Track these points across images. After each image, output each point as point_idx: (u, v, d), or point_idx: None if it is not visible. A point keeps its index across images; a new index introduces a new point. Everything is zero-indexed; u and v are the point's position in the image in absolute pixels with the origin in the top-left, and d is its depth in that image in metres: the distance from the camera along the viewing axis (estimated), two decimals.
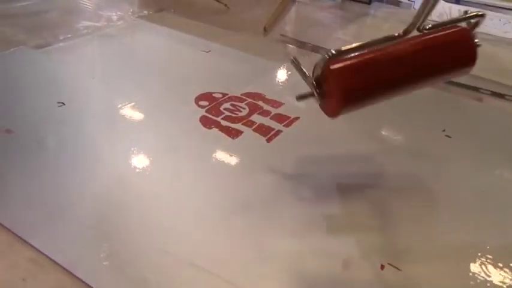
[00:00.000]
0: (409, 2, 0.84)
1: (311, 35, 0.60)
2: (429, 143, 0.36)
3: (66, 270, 0.21)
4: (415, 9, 0.82)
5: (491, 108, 0.44)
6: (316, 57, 0.56)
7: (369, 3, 0.81)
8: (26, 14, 0.54)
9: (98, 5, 0.62)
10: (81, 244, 0.23)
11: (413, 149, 0.35)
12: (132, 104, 0.37)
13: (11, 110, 0.34)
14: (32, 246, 0.22)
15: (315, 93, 0.25)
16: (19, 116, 0.33)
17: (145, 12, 0.61)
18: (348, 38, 0.62)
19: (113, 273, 0.21)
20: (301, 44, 0.57)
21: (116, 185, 0.27)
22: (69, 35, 0.49)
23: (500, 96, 0.47)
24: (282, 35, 0.59)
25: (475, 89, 0.48)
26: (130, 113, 0.35)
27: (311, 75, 0.27)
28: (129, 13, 0.60)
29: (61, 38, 0.48)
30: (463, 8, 0.85)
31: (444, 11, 0.82)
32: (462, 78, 0.48)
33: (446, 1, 0.89)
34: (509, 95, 0.47)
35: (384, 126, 0.38)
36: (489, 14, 0.86)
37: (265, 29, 0.60)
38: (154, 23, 0.57)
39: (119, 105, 0.36)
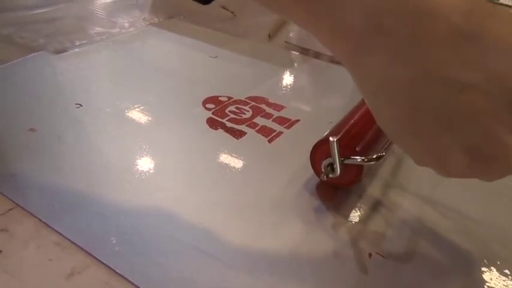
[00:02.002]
0: None
1: (314, 42, 0.63)
2: None
3: (87, 251, 0.24)
4: None
5: None
6: (318, 63, 0.58)
7: None
8: (44, 20, 0.57)
9: (111, 12, 0.65)
10: (99, 229, 0.26)
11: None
12: (144, 105, 0.39)
13: (34, 111, 0.36)
14: (56, 231, 0.25)
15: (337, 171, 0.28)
16: (41, 116, 0.36)
17: (156, 19, 0.64)
18: None
19: (126, 255, 0.24)
20: (304, 51, 0.59)
21: (128, 179, 0.30)
22: (84, 41, 0.52)
23: None
24: (286, 41, 0.61)
25: None
26: (142, 114, 0.38)
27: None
28: (141, 20, 0.63)
29: (77, 43, 0.51)
30: None
31: None
32: None
33: None
34: None
35: None
36: None
37: (269, 36, 0.63)
38: (164, 29, 0.60)
39: (132, 107, 0.39)
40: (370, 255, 0.26)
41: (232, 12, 0.69)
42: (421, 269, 0.25)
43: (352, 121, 0.32)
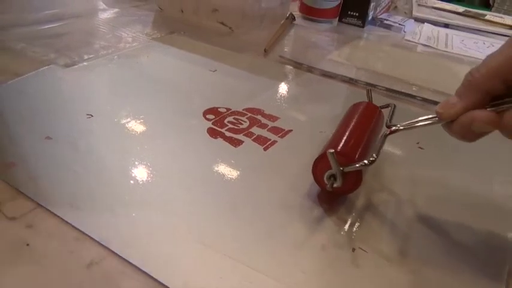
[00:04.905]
0: (399, 26, 0.91)
1: (307, 57, 0.66)
2: (404, 153, 0.42)
3: (103, 245, 0.27)
4: (405, 32, 0.88)
5: None
6: (311, 77, 0.62)
7: (363, 26, 0.87)
8: (54, 35, 0.61)
9: (115, 27, 0.68)
10: (112, 225, 0.29)
11: (392, 157, 0.41)
12: (148, 116, 0.43)
13: (49, 121, 0.40)
14: (75, 227, 0.28)
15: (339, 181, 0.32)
16: (56, 125, 0.39)
17: (158, 34, 0.68)
18: (341, 59, 0.68)
19: (138, 247, 0.27)
20: (297, 65, 0.63)
21: (136, 182, 0.33)
22: (91, 55, 0.56)
23: None
24: (280, 56, 0.65)
25: None
26: (146, 124, 0.41)
27: None
28: (143, 35, 0.67)
29: (85, 57, 0.55)
30: (450, 32, 0.92)
31: (432, 35, 0.89)
32: (440, 97, 0.54)
33: (435, 25, 0.96)
34: None
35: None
36: (474, 37, 0.93)
37: (265, 51, 0.67)
38: (166, 44, 0.63)
39: (137, 117, 0.42)
40: (353, 249, 0.29)
41: (230, 28, 0.73)
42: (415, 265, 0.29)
43: (346, 131, 0.35)
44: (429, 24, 0.95)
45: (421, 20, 0.98)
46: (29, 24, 0.63)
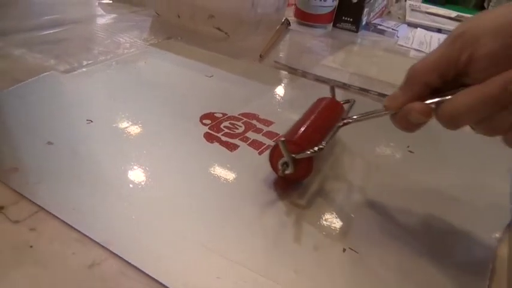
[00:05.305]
0: (393, 31, 0.92)
1: (302, 62, 0.68)
2: (394, 156, 0.44)
3: (104, 246, 0.28)
4: (398, 37, 0.90)
5: None
6: (305, 82, 0.63)
7: (357, 31, 0.89)
8: (53, 41, 0.62)
9: (114, 33, 0.69)
10: (113, 228, 0.30)
11: (377, 161, 0.42)
12: (146, 121, 0.44)
13: (50, 126, 0.41)
14: (76, 230, 0.29)
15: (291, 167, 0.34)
16: (57, 130, 0.40)
17: (155, 40, 0.69)
18: (335, 65, 0.70)
19: (137, 249, 0.28)
20: (292, 70, 0.64)
21: (135, 186, 0.34)
22: (90, 61, 0.57)
23: None
24: (275, 61, 0.67)
25: None
26: (144, 128, 0.43)
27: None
28: (141, 40, 0.68)
29: (84, 63, 0.56)
30: (442, 37, 0.94)
31: (425, 40, 0.90)
32: None
33: (428, 30, 0.97)
34: None
35: (354, 145, 0.46)
36: None
37: (261, 56, 0.68)
38: (164, 49, 0.65)
39: (136, 122, 0.43)
40: (344, 250, 0.31)
41: (226, 33, 0.75)
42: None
43: (302, 123, 0.38)
44: (422, 29, 0.97)
45: (414, 25, 1.00)
46: (29, 30, 0.65)
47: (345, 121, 0.37)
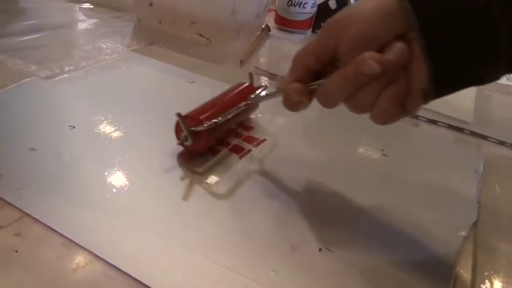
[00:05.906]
0: None
1: (281, 68, 0.70)
2: (367, 159, 0.46)
3: (88, 250, 0.29)
4: None
5: (425, 133, 0.54)
6: None
7: None
8: (34, 47, 0.62)
9: (95, 38, 0.70)
10: (96, 231, 0.31)
11: (350, 165, 0.44)
12: (128, 127, 0.45)
13: (33, 132, 0.41)
14: (61, 234, 0.30)
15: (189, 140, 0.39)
16: (39, 136, 0.41)
17: (137, 45, 0.70)
18: None
19: (121, 252, 0.29)
20: (272, 76, 0.66)
21: (117, 192, 0.35)
22: (72, 67, 0.57)
23: (434, 122, 0.57)
24: (256, 67, 0.68)
25: (415, 116, 0.58)
26: (126, 134, 0.43)
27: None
28: (123, 46, 0.68)
29: (66, 69, 0.56)
30: None
31: None
32: None
33: None
34: (441, 122, 0.57)
35: (332, 148, 0.47)
36: None
37: (241, 62, 0.70)
38: (145, 55, 0.65)
39: (118, 128, 0.44)
40: (320, 249, 0.32)
41: (207, 39, 0.76)
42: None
43: (208, 102, 0.43)
44: None
45: None
46: (9, 35, 0.65)
47: (245, 102, 0.42)
